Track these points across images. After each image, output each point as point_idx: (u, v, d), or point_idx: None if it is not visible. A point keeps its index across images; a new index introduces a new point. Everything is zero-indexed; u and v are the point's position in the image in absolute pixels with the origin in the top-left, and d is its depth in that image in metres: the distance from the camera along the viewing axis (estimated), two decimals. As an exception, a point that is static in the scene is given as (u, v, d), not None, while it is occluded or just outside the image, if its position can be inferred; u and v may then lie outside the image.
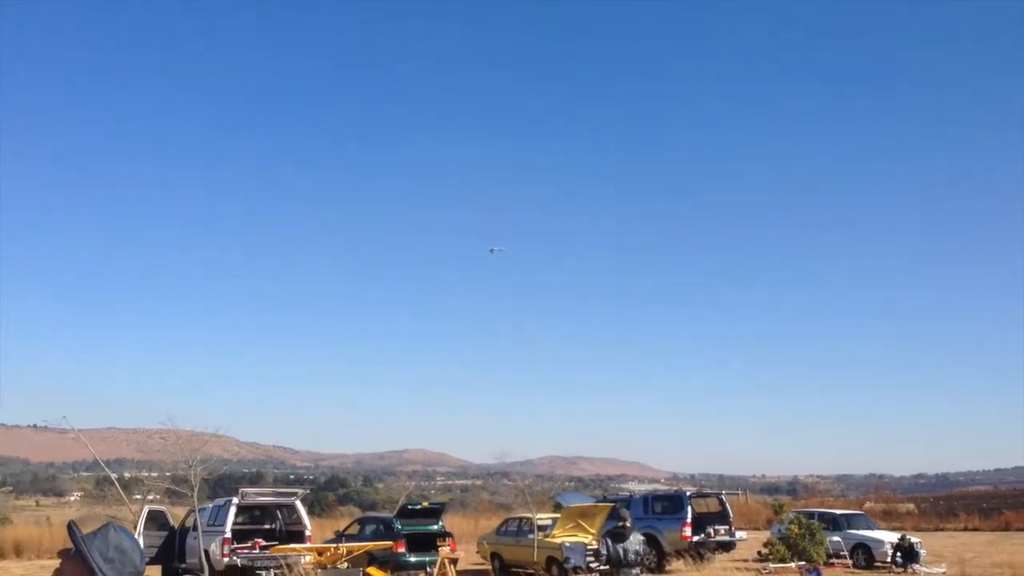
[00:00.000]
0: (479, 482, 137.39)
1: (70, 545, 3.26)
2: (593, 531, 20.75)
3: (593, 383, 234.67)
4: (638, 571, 10.87)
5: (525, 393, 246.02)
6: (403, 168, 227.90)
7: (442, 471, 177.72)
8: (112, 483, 24.27)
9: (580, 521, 21.15)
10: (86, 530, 3.26)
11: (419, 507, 22.58)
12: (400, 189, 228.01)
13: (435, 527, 21.79)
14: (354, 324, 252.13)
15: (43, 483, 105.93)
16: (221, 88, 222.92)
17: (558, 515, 22.99)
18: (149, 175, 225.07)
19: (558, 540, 20.69)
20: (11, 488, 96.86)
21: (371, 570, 18.74)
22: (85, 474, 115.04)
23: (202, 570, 18.44)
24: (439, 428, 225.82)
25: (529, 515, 23.04)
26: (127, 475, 40.92)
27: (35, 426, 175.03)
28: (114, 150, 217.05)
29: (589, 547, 20.03)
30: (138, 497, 26.64)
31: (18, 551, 29.17)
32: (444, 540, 19.69)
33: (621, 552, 10.58)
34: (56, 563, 3.26)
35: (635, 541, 10.82)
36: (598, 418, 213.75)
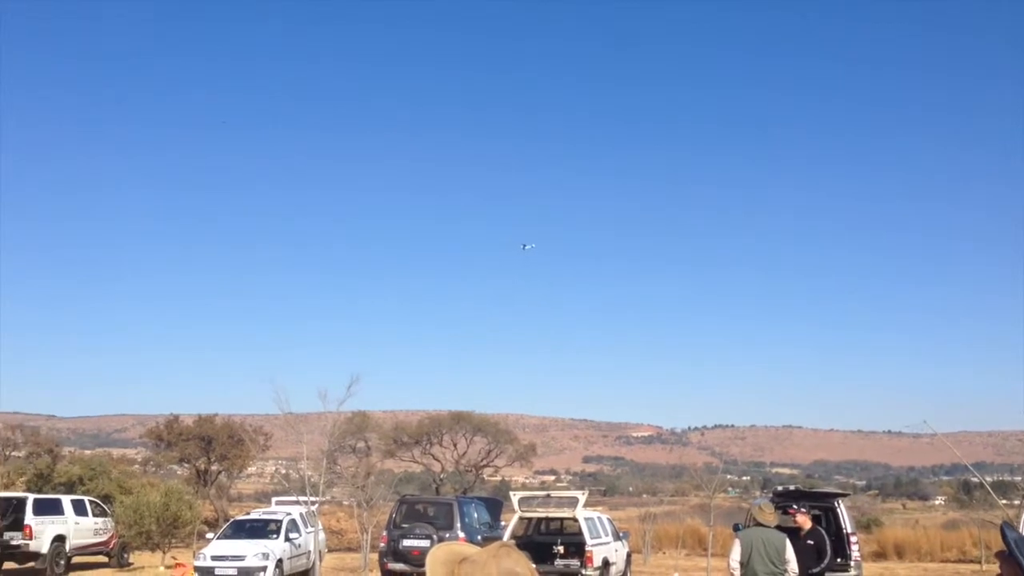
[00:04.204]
0: None
1: (1001, 547, 3.16)
2: None
3: None
4: None
5: None
6: None
7: None
8: (977, 487, 23.46)
9: None
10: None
11: None
12: None
13: None
14: None
15: (905, 487, 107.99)
16: None
17: None
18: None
19: None
20: (876, 492, 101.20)
21: None
22: (945, 477, 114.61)
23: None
24: None
25: None
26: (988, 478, 39.12)
27: (890, 431, 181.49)
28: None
29: None
30: (1004, 502, 25.26)
31: (899, 552, 30.18)
32: None
33: None
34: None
35: None
36: None
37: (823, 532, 11.82)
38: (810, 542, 11.20)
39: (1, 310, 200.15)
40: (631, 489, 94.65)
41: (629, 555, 22.87)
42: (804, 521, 11.47)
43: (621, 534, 22.32)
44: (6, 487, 33.14)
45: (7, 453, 47.94)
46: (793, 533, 10.93)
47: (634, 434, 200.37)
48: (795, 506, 12.05)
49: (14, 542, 22.46)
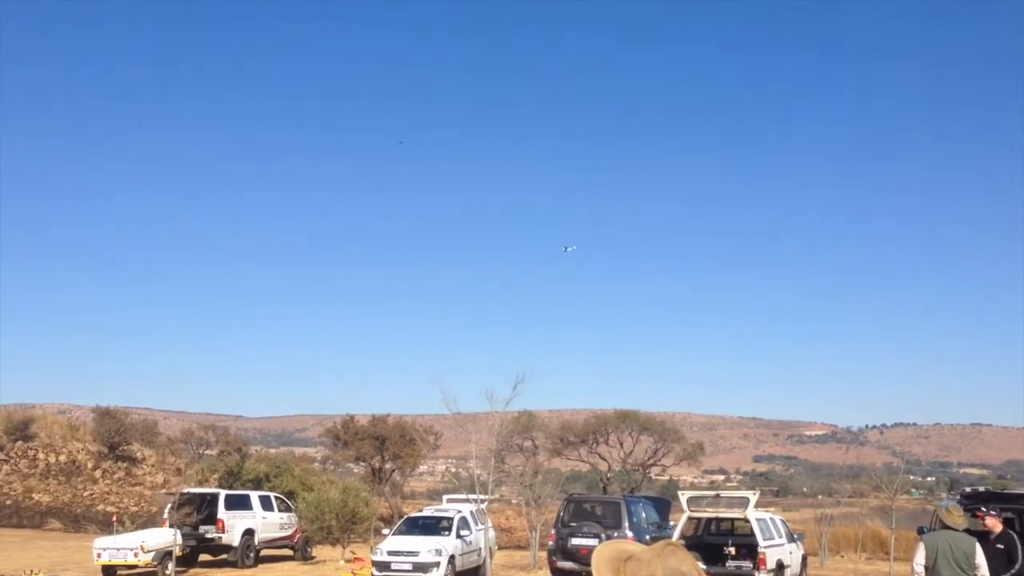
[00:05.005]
0: None
1: None
2: None
3: None
4: None
5: None
6: None
7: None
8: None
9: None
10: None
11: None
12: None
13: None
14: None
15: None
16: None
17: None
18: None
19: None
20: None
21: None
22: None
23: None
24: None
25: None
26: None
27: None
28: None
29: None
30: None
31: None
32: None
33: None
34: None
35: None
36: None
37: (1015, 536, 11.08)
38: (1000, 546, 10.53)
39: (198, 321, 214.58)
40: (805, 489, 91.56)
41: (805, 558, 22.14)
42: (994, 524, 10.80)
43: (795, 536, 21.64)
44: (200, 483, 35.41)
45: (200, 451, 51.26)
46: (982, 537, 10.34)
47: (807, 432, 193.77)
48: (984, 508, 11.38)
49: (208, 535, 24.01)
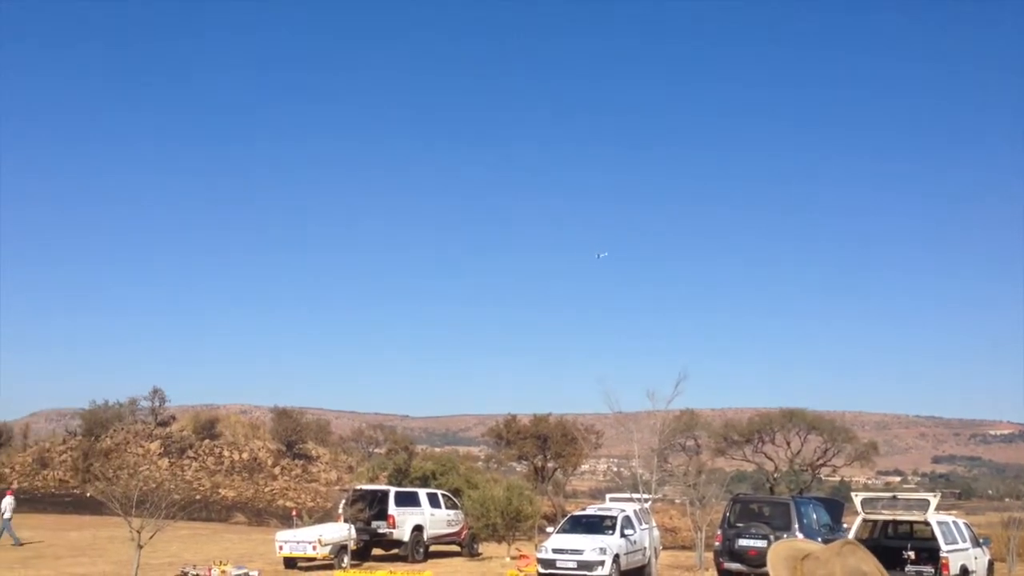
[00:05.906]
0: None
1: None
2: None
3: None
4: None
5: None
6: None
7: None
8: None
9: None
10: None
11: None
12: None
13: None
14: None
15: None
16: None
17: None
18: None
19: None
20: None
21: None
22: None
23: None
24: None
25: None
26: None
27: None
28: None
29: None
30: None
31: None
32: None
33: None
34: None
35: None
36: None
37: None
38: None
39: (366, 325, 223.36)
40: (990, 492, 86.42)
41: (991, 563, 20.88)
42: None
43: (981, 540, 20.44)
44: (371, 481, 36.70)
45: (370, 450, 53.21)
46: None
47: (992, 432, 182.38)
48: None
49: (380, 530, 24.89)
